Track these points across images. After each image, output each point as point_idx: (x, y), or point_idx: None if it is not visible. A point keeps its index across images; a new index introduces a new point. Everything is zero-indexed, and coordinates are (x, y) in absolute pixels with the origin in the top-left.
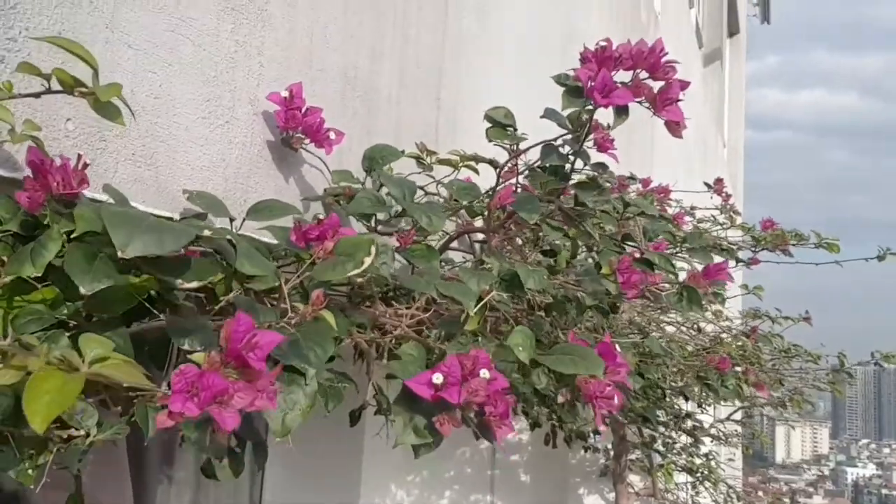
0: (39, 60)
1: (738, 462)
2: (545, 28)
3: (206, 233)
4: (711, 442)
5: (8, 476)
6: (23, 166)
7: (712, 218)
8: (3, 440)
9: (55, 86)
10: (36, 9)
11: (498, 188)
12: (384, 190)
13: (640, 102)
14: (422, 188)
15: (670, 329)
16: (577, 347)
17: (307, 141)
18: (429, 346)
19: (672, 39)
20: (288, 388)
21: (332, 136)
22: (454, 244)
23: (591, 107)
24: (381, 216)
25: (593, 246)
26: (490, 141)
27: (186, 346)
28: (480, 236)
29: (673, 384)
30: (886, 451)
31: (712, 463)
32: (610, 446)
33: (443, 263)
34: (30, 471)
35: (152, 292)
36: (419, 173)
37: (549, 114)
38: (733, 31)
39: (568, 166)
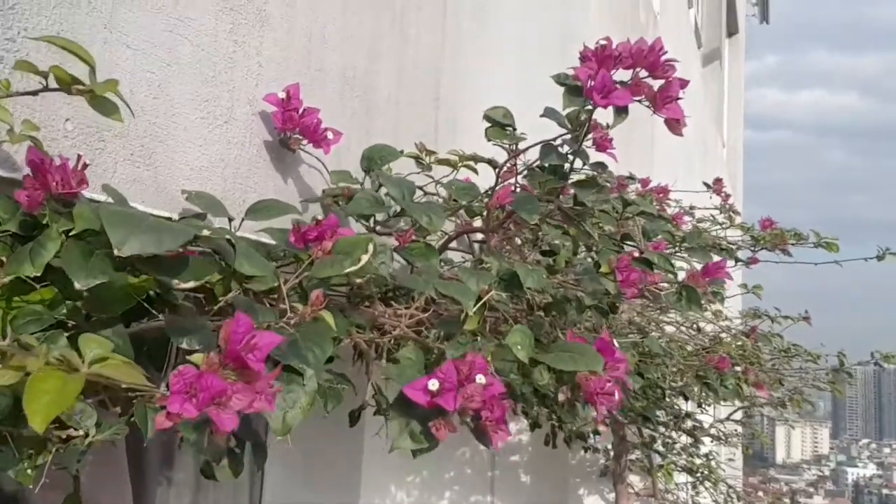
0: (37, 61)
1: (738, 462)
2: (544, 28)
3: (205, 233)
4: (711, 442)
5: (7, 476)
6: (21, 166)
7: (711, 218)
8: (2, 440)
9: (53, 84)
10: (34, 9)
11: (497, 188)
12: (383, 190)
13: (639, 101)
14: (421, 188)
15: (670, 329)
16: (576, 345)
17: (305, 142)
18: (428, 346)
19: (671, 39)
20: (287, 387)
21: (330, 136)
22: (453, 244)
23: (590, 106)
24: (379, 216)
25: (592, 245)
26: (489, 140)
27: (185, 346)
28: (479, 236)
29: (672, 384)
30: (887, 451)
31: (712, 463)
32: (610, 447)
33: (442, 264)
34: (29, 471)
35: (151, 292)
36: (418, 173)
37: (549, 113)
38: (732, 31)
39: (567, 166)
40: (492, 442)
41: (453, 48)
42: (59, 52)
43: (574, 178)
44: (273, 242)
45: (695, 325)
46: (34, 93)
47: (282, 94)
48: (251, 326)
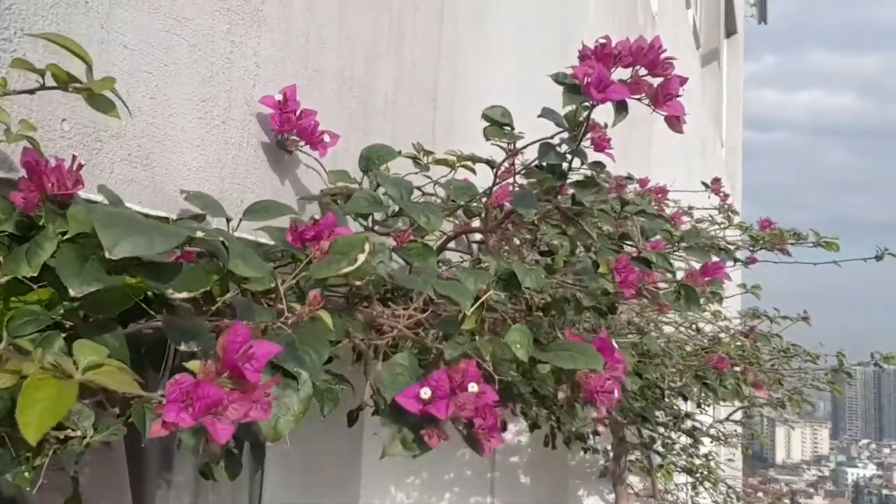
0: (34, 61)
1: (737, 462)
2: (543, 29)
3: (199, 234)
4: (711, 442)
5: (5, 479)
6: (18, 167)
7: (710, 218)
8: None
9: (50, 82)
10: (31, 9)
11: (495, 188)
12: (381, 190)
13: (639, 99)
14: (419, 188)
15: (669, 329)
16: (575, 344)
17: (302, 143)
18: (426, 346)
19: (669, 40)
20: (282, 393)
21: (327, 138)
22: (451, 244)
23: (588, 104)
24: (378, 216)
25: (591, 245)
26: (487, 140)
27: (183, 348)
28: (478, 236)
29: (672, 384)
30: (887, 451)
31: (712, 463)
32: (609, 447)
33: (440, 264)
34: (26, 473)
35: (149, 293)
36: (416, 174)
37: (546, 113)
38: (731, 31)
39: (565, 165)
40: (484, 449)
41: (451, 48)
42: (55, 52)
43: (572, 177)
44: (271, 242)
45: (694, 326)
46: (31, 91)
47: (278, 96)
48: (249, 336)
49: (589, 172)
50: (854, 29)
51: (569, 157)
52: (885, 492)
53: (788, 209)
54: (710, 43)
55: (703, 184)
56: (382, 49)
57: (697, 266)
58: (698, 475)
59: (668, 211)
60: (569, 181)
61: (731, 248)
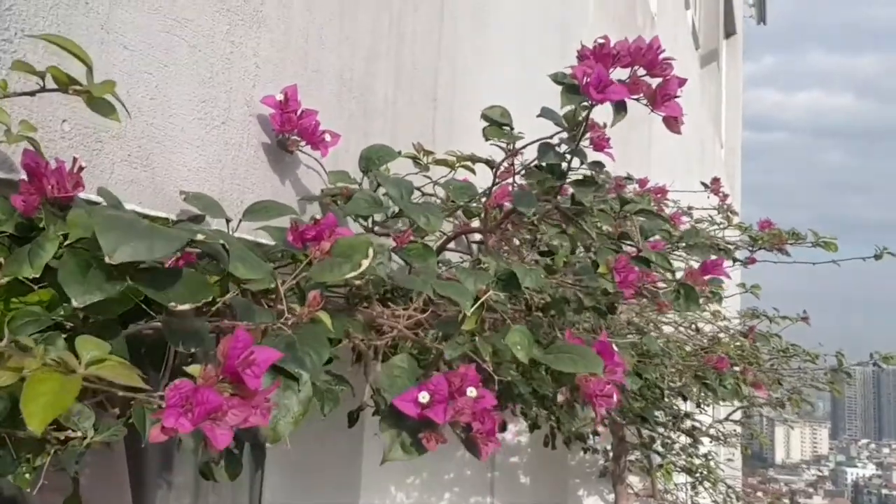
0: (34, 62)
1: (737, 462)
2: (542, 30)
3: (199, 237)
4: (710, 442)
5: (5, 479)
6: (19, 168)
7: (709, 218)
8: (0, 443)
9: (50, 84)
10: (31, 10)
11: (494, 188)
12: (381, 190)
13: (637, 100)
14: (419, 189)
15: (668, 329)
16: (575, 347)
17: (303, 143)
18: (426, 347)
19: (669, 40)
20: (281, 394)
21: (328, 138)
22: (451, 245)
23: (587, 103)
24: (378, 216)
25: (590, 245)
26: (487, 140)
27: (183, 350)
28: (477, 237)
29: (671, 384)
30: (886, 451)
31: (711, 463)
32: (609, 447)
33: (440, 264)
34: (27, 474)
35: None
36: (416, 174)
37: (546, 113)
38: (730, 32)
39: (565, 165)
40: (481, 453)
41: (451, 49)
42: (55, 53)
43: (572, 177)
44: (271, 242)
45: (693, 326)
46: (31, 93)
47: (279, 96)
48: (250, 341)
49: (588, 172)
50: (853, 29)
51: (568, 156)
52: (884, 491)
53: (787, 209)
54: (709, 44)
55: (703, 184)
56: (382, 49)
57: (697, 265)
58: (698, 475)
59: (668, 211)
60: (568, 181)
61: (731, 248)
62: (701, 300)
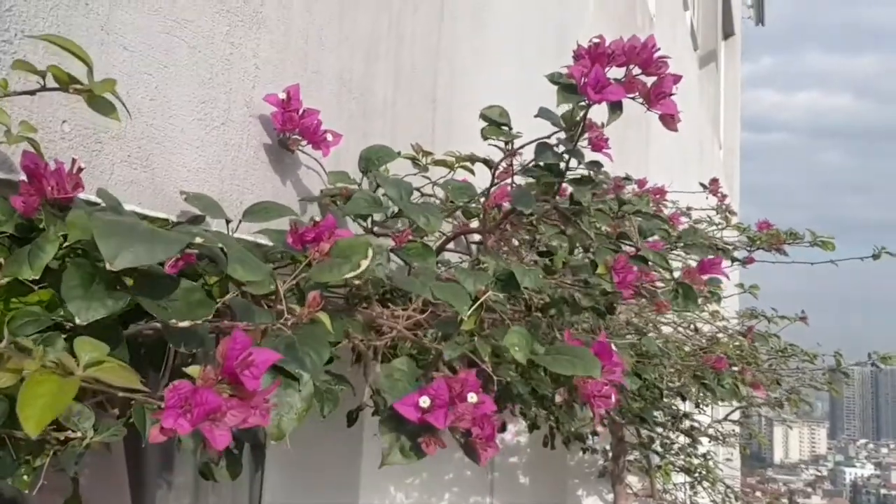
0: (35, 62)
1: (735, 462)
2: (541, 30)
3: (198, 240)
4: (709, 442)
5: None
6: (18, 168)
7: (708, 218)
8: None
9: (51, 83)
10: (32, 11)
11: (493, 188)
12: (380, 191)
13: (633, 98)
14: (418, 189)
15: (667, 329)
16: (573, 348)
17: (304, 143)
18: (425, 347)
19: (667, 41)
20: (284, 392)
21: (330, 137)
22: (450, 245)
23: (584, 103)
24: (377, 217)
25: (589, 246)
26: (485, 140)
27: (182, 351)
28: (477, 237)
29: (670, 384)
30: (884, 450)
31: (710, 463)
32: (608, 447)
33: (439, 265)
34: (26, 476)
35: None
36: (415, 174)
37: (543, 113)
38: (728, 32)
39: (563, 165)
40: (480, 458)
41: (450, 49)
42: (56, 54)
43: (570, 177)
44: (271, 243)
45: (692, 326)
46: (32, 92)
47: (282, 95)
48: (249, 343)
49: (586, 172)
50: (851, 30)
51: (566, 156)
52: (882, 491)
53: (786, 209)
54: (707, 45)
55: (701, 184)
56: (382, 50)
57: (695, 265)
58: (697, 475)
59: (667, 212)
60: (566, 180)
61: (729, 248)
62: (700, 300)
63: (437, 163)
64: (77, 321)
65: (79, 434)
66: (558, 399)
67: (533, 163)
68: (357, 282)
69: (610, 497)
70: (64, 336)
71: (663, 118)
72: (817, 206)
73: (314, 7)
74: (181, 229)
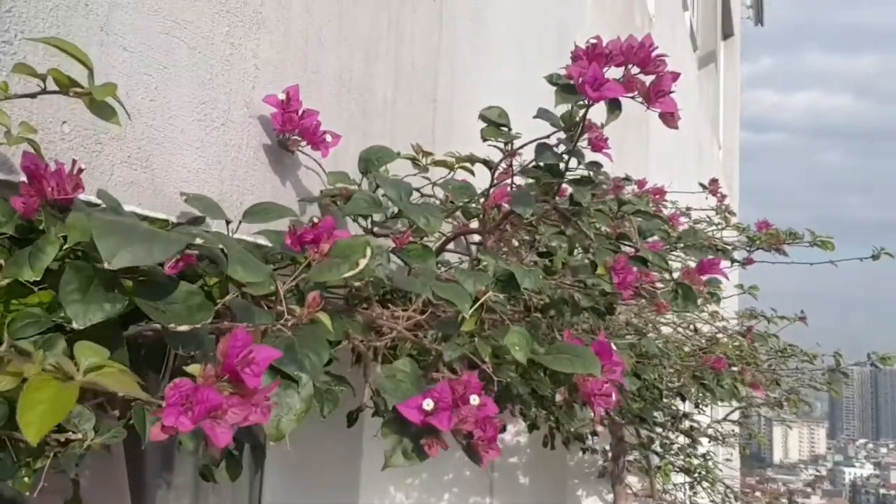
0: (34, 63)
1: (735, 462)
2: (540, 30)
3: (198, 241)
4: (709, 442)
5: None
6: (19, 169)
7: (707, 219)
8: (0, 446)
9: (51, 86)
10: (31, 12)
11: (492, 189)
12: (380, 191)
13: (633, 97)
14: (417, 190)
15: (667, 329)
16: (573, 347)
17: (304, 143)
18: (425, 348)
19: (666, 42)
20: (283, 392)
21: (329, 138)
22: (450, 245)
23: (583, 102)
24: (377, 217)
25: (589, 246)
26: (484, 140)
27: (182, 352)
28: (476, 238)
29: (670, 385)
30: (883, 450)
31: (710, 463)
32: (608, 447)
33: (439, 265)
34: (26, 478)
35: None
36: (415, 175)
37: (542, 114)
38: (727, 33)
39: (562, 165)
40: (482, 461)
41: (450, 49)
42: (56, 54)
43: (570, 178)
44: (271, 244)
45: (692, 326)
46: (32, 95)
47: (281, 96)
48: (249, 340)
49: (586, 173)
50: (851, 30)
51: (566, 157)
52: (882, 491)
53: (786, 210)
54: (706, 45)
55: (701, 185)
56: (381, 50)
57: (694, 266)
58: (696, 475)
59: (666, 212)
60: (566, 181)
61: (729, 248)
62: (699, 301)
63: (437, 163)
64: (74, 325)
65: (79, 436)
66: (559, 399)
67: (533, 163)
68: (357, 282)
69: (609, 497)
70: (65, 337)
71: (663, 116)
72: (817, 206)
73: (313, 7)
74: (181, 230)
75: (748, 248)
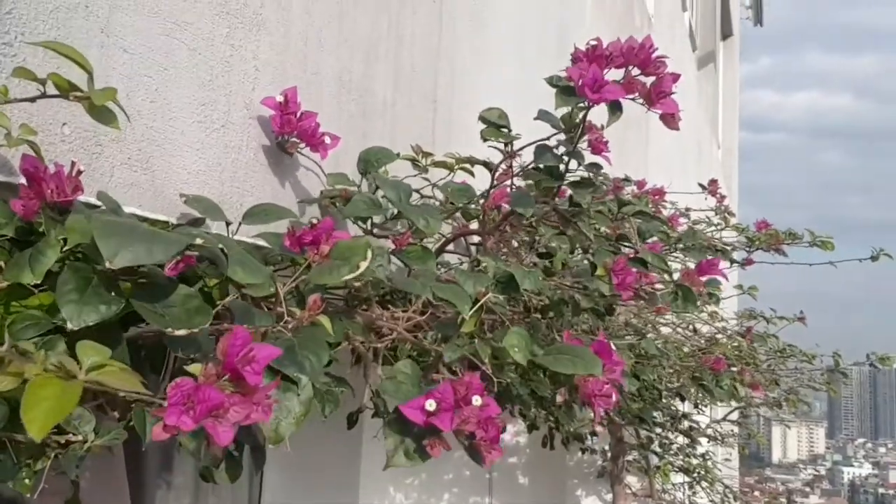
0: (34, 66)
1: (734, 462)
2: (540, 31)
3: (198, 241)
4: (708, 442)
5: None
6: (19, 171)
7: (707, 219)
8: (0, 448)
9: (51, 90)
10: (31, 14)
11: (492, 190)
12: (380, 192)
13: (633, 99)
14: (417, 191)
15: (666, 330)
16: (573, 347)
17: (303, 145)
18: (425, 349)
19: (666, 42)
20: (282, 395)
21: (328, 140)
22: (450, 247)
23: (583, 104)
24: (377, 219)
25: (588, 247)
26: (484, 141)
27: (182, 354)
28: (476, 239)
29: (669, 385)
30: (882, 450)
31: (709, 463)
32: (607, 448)
33: (439, 266)
34: (27, 480)
35: None
36: (414, 176)
37: (543, 115)
38: (727, 33)
39: (562, 167)
40: (484, 461)
41: (450, 50)
42: (56, 57)
43: (570, 179)
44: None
45: (691, 327)
46: (31, 100)
47: (279, 98)
48: (249, 339)
49: (586, 174)
50: (851, 30)
51: (565, 158)
52: (880, 490)
53: (785, 210)
54: (706, 45)
55: (700, 185)
56: (381, 51)
57: (694, 266)
58: (695, 475)
59: (665, 213)
60: (566, 182)
61: (728, 248)
62: (699, 301)
63: (437, 164)
64: (69, 326)
65: (80, 437)
66: (559, 399)
67: (532, 165)
68: (357, 284)
69: (609, 497)
70: (65, 339)
71: (664, 117)
72: (817, 206)
73: (313, 9)
74: (181, 231)
75: (747, 249)
